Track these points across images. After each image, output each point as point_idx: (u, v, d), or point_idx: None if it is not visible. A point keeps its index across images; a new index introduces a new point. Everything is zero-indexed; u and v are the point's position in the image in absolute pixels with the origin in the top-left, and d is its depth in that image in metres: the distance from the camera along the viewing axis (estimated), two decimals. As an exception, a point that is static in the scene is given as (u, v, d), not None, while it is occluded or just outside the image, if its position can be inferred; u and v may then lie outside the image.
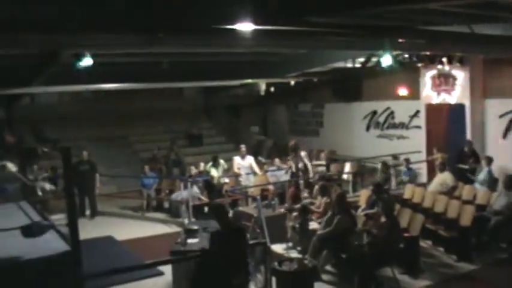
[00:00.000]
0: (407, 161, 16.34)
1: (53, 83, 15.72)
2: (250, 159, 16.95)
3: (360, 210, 12.46)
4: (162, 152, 19.77)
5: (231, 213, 13.82)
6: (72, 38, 9.53)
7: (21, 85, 15.85)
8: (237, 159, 16.94)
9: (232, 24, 9.33)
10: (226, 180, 16.75)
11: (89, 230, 13.57)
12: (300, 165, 15.25)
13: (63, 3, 7.99)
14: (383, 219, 10.21)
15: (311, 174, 15.73)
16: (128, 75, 16.53)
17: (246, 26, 9.43)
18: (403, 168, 16.45)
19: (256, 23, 9.26)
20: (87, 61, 11.78)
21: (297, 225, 11.64)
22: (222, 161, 16.97)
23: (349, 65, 17.39)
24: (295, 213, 12.25)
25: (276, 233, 11.43)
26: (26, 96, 19.22)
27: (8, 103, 19.63)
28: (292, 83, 19.88)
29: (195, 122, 23.74)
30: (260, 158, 18.81)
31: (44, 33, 8.95)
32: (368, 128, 20.02)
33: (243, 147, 17.18)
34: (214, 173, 16.41)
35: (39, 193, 15.59)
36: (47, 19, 8.57)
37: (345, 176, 18.19)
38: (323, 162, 18.22)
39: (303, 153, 15.61)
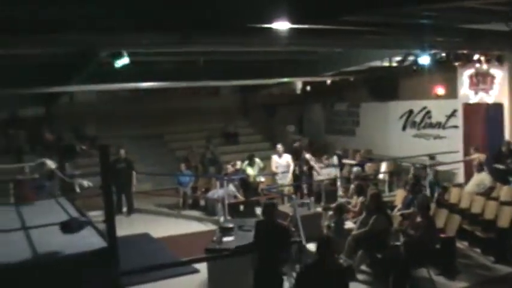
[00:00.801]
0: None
1: (91, 81, 15.91)
2: (287, 158, 16.95)
3: (395, 210, 12.39)
4: (198, 150, 19.85)
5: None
6: (109, 37, 9.66)
7: (61, 84, 16.07)
8: (274, 158, 16.96)
9: (268, 23, 9.35)
10: (262, 179, 16.77)
11: (126, 227, 13.69)
12: (305, 168, 15.06)
13: (101, 4, 8.07)
14: (419, 219, 10.15)
15: (320, 177, 15.63)
16: (164, 74, 16.66)
17: (282, 25, 9.44)
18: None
19: (292, 22, 9.27)
20: (124, 60, 11.91)
21: (333, 225, 11.60)
22: (257, 160, 16.98)
23: (386, 63, 17.27)
24: (330, 213, 12.23)
25: (312, 232, 11.41)
26: (65, 94, 19.46)
27: (47, 101, 19.91)
28: (329, 81, 19.82)
29: (231, 120, 23.79)
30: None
31: (82, 33, 9.08)
32: (404, 128, 19.86)
33: (279, 146, 17.20)
34: (250, 171, 16.44)
35: (77, 190, 15.77)
36: (84, 19, 8.68)
37: (380, 176, 18.09)
38: (353, 162, 18.17)
39: (307, 156, 15.44)
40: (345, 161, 18.97)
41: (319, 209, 13.35)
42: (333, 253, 7.13)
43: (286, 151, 17.32)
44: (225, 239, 9.96)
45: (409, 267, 9.69)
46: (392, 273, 9.51)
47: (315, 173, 16.55)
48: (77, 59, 13.20)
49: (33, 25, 8.60)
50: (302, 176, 15.03)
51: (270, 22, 9.31)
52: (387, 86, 19.98)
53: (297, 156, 15.37)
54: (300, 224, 10.33)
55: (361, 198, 12.22)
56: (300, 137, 22.84)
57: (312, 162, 15.38)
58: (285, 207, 13.63)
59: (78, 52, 11.98)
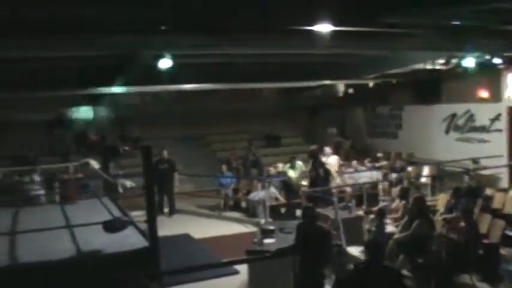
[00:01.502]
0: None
1: (134, 83, 16.07)
2: (333, 160, 16.94)
3: (438, 214, 12.26)
4: (240, 152, 19.92)
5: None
6: (153, 39, 9.76)
7: (104, 85, 16.28)
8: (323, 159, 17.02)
9: (310, 25, 9.35)
10: (304, 182, 16.74)
11: (167, 227, 13.79)
12: (321, 171, 14.85)
13: (146, 5, 8.16)
14: (462, 224, 10.03)
15: (337, 180, 15.47)
16: (207, 76, 16.73)
17: (324, 27, 9.43)
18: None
19: (334, 24, 9.26)
20: (167, 62, 12.02)
21: (374, 228, 11.53)
22: (299, 162, 16.96)
23: (429, 66, 17.10)
24: (372, 216, 12.16)
25: (352, 236, 11.38)
26: (109, 96, 19.70)
27: (92, 103, 20.19)
28: (371, 84, 19.72)
29: (273, 122, 23.78)
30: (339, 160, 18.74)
31: (125, 35, 9.20)
32: (447, 131, 19.60)
33: (327, 149, 17.24)
34: (291, 174, 16.43)
35: (120, 190, 15.94)
36: (129, 21, 8.79)
37: (423, 180, 17.91)
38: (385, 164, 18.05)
39: (324, 159, 15.23)
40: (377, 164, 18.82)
41: (360, 213, 13.29)
42: (384, 256, 7.11)
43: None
44: (266, 241, 9.98)
45: (451, 273, 9.58)
46: (434, 279, 9.42)
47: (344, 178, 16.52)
48: (121, 61, 13.35)
49: (78, 27, 8.75)
50: (317, 180, 14.75)
51: (312, 24, 9.31)
52: (430, 88, 19.76)
53: (314, 160, 15.16)
54: (341, 227, 10.31)
55: (404, 202, 12.12)
56: (342, 140, 22.77)
57: (331, 166, 15.07)
58: (327, 210, 13.59)
59: (122, 54, 12.11)
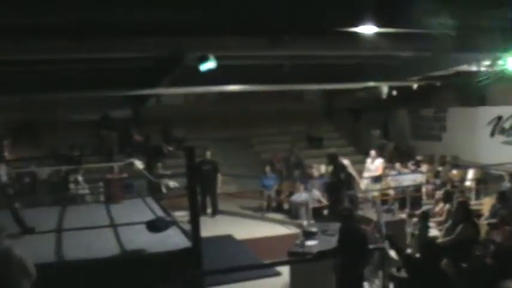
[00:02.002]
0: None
1: (178, 84, 16.20)
2: (377, 163, 16.84)
3: (482, 218, 12.09)
4: (283, 153, 19.92)
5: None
6: (197, 41, 9.84)
7: (149, 86, 16.46)
8: (367, 162, 16.89)
9: (354, 27, 9.32)
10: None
11: (210, 228, 13.84)
12: (342, 175, 14.59)
13: (187, 7, 8.22)
14: (508, 228, 9.87)
15: (361, 185, 15.25)
16: (250, 78, 16.78)
17: (368, 29, 9.39)
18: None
19: (378, 26, 9.21)
20: (211, 63, 12.08)
21: (417, 232, 11.43)
22: (346, 161, 16.86)
23: (474, 68, 16.86)
24: (415, 219, 12.05)
25: (396, 239, 11.28)
26: (153, 97, 19.88)
27: (136, 103, 20.41)
28: (415, 86, 19.52)
29: (316, 124, 23.72)
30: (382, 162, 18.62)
31: (169, 37, 9.29)
32: (492, 134, 19.30)
33: (372, 152, 17.15)
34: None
35: (164, 190, 16.07)
36: (172, 23, 8.86)
37: (467, 183, 17.68)
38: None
39: (345, 162, 15.03)
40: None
41: (403, 216, 13.17)
42: (440, 258, 7.05)
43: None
44: (308, 242, 9.96)
45: (496, 278, 9.43)
46: (479, 284, 9.29)
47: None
48: (166, 62, 13.46)
49: (124, 29, 8.86)
50: (339, 184, 14.53)
51: (356, 26, 9.28)
52: (475, 90, 19.49)
53: (334, 164, 14.93)
54: (384, 230, 10.22)
55: (448, 206, 11.99)
56: (385, 142, 22.60)
57: (351, 169, 14.80)
58: (370, 213, 13.51)
59: (166, 55, 12.21)
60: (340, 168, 14.34)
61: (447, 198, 12.26)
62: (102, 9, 7.99)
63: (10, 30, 8.32)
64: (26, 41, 8.99)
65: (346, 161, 14.94)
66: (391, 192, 16.19)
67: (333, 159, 14.59)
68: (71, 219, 10.55)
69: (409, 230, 12.02)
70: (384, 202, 14.60)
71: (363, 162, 18.58)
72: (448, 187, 14.76)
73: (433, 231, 11.44)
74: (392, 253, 8.82)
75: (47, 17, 8.12)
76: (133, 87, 16.52)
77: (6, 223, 8.16)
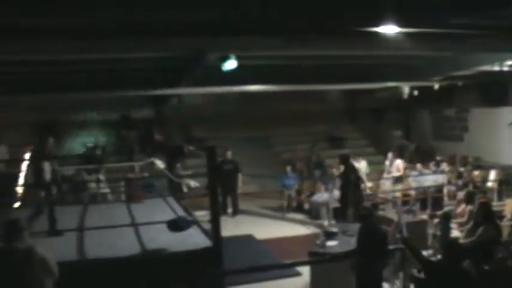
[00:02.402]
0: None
1: (199, 84, 16.25)
2: (397, 164, 16.78)
3: (505, 220, 11.99)
4: (303, 153, 19.91)
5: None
6: (218, 41, 9.85)
7: (170, 86, 16.52)
8: (386, 163, 16.82)
9: (375, 26, 9.29)
10: (368, 184, 16.61)
11: (230, 227, 13.86)
12: (353, 177, 14.44)
13: (208, 7, 8.24)
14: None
15: (366, 189, 15.15)
16: (271, 77, 16.79)
17: (389, 29, 9.35)
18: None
19: (399, 26, 9.18)
20: (232, 63, 12.10)
21: (438, 233, 11.36)
22: (363, 163, 16.82)
23: (496, 68, 16.74)
24: (436, 220, 11.98)
25: (416, 240, 11.22)
26: (175, 97, 19.95)
27: (157, 103, 20.51)
28: (436, 86, 19.41)
29: (337, 124, 23.69)
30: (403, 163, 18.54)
31: (190, 37, 9.31)
32: (515, 134, 19.17)
33: (390, 154, 17.08)
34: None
35: (185, 190, 16.11)
36: (193, 23, 8.89)
37: (489, 184, 17.55)
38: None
39: (358, 164, 14.82)
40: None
41: (424, 216, 13.10)
42: (461, 259, 7.00)
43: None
44: (329, 243, 9.94)
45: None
46: (501, 285, 9.22)
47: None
48: (186, 62, 13.51)
49: (147, 29, 8.90)
50: (348, 186, 14.40)
51: (378, 26, 9.25)
52: (498, 91, 19.35)
53: (345, 166, 14.80)
54: (405, 230, 10.18)
55: (469, 207, 11.90)
56: (406, 142, 22.51)
57: (362, 172, 14.65)
58: (391, 213, 13.46)
59: (188, 55, 12.25)
60: (350, 169, 14.29)
61: (469, 199, 12.16)
62: (123, 9, 8.04)
63: (34, 30, 8.39)
64: (48, 41, 9.05)
65: (363, 163, 14.91)
66: (412, 192, 16.11)
67: (344, 160, 14.55)
68: (93, 218, 10.63)
69: (430, 231, 11.96)
70: (405, 203, 14.53)
71: (384, 162, 18.53)
72: (470, 188, 14.66)
73: (455, 233, 11.36)
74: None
75: (68, 17, 8.20)
76: (154, 87, 16.60)
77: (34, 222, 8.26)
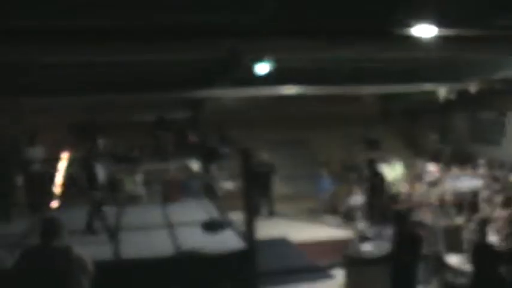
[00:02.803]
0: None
1: (235, 86, 16.29)
2: (431, 167, 16.64)
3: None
4: (339, 156, 19.85)
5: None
6: (254, 42, 9.88)
7: (205, 88, 16.59)
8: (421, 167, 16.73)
9: (413, 28, 9.24)
10: (403, 187, 16.49)
11: (265, 230, 13.87)
12: (377, 180, 14.22)
13: (244, 9, 8.27)
14: None
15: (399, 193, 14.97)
16: (307, 80, 16.76)
17: (427, 30, 9.30)
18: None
19: (437, 27, 9.12)
20: (267, 65, 12.12)
21: (474, 238, 11.23)
22: (398, 165, 16.70)
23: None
24: (472, 225, 11.85)
25: (452, 244, 11.12)
26: (210, 98, 20.03)
27: (192, 105, 20.61)
28: (474, 89, 19.19)
29: (372, 127, 23.56)
30: (439, 166, 18.36)
31: (227, 39, 9.35)
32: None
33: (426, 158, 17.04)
34: (389, 175, 16.16)
35: (220, 192, 16.18)
36: (229, 24, 8.93)
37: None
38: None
39: (391, 167, 14.61)
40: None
41: (460, 221, 12.96)
42: (498, 265, 6.93)
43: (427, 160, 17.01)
44: (364, 246, 9.91)
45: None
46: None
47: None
48: (222, 64, 13.56)
49: (180, 31, 8.97)
50: (372, 191, 14.23)
51: (415, 27, 9.19)
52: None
53: (372, 171, 14.63)
54: (440, 235, 10.10)
55: (507, 212, 11.76)
56: (442, 146, 22.30)
57: (396, 176, 14.48)
58: (426, 218, 13.35)
59: (224, 57, 12.30)
60: (375, 175, 14.21)
61: (506, 203, 12.02)
62: (160, 11, 8.11)
63: (75, 32, 8.51)
64: (88, 43, 9.17)
65: (397, 166, 14.78)
66: (448, 197, 15.95)
67: (370, 165, 14.49)
68: (128, 219, 10.73)
69: (466, 236, 11.82)
70: (440, 207, 14.37)
71: (419, 166, 18.38)
72: (508, 193, 14.46)
73: (492, 238, 11.23)
74: (450, 259, 8.74)
75: (106, 19, 8.29)
76: (190, 89, 16.69)
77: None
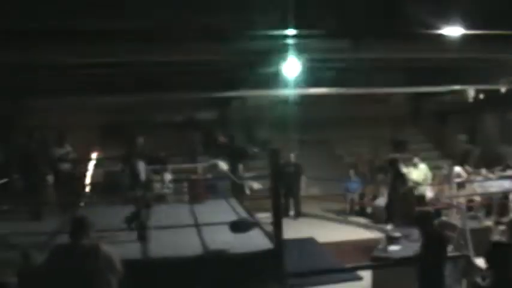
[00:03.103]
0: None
1: (262, 86, 16.30)
2: (458, 169, 16.53)
3: None
4: (367, 157, 19.77)
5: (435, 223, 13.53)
6: (281, 43, 9.89)
7: (234, 88, 16.62)
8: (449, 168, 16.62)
9: (441, 29, 9.19)
10: (429, 191, 16.35)
11: (292, 230, 13.85)
12: (399, 182, 14.02)
13: (272, 10, 8.30)
14: None
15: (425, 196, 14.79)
16: (334, 80, 16.71)
17: (455, 31, 9.25)
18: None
19: (465, 28, 9.06)
20: (295, 66, 12.12)
21: (504, 240, 11.11)
22: (422, 166, 16.54)
23: None
24: (502, 227, 11.73)
25: (481, 247, 11.01)
26: (238, 98, 20.07)
27: (221, 105, 20.67)
28: (503, 89, 19.01)
29: (400, 128, 23.43)
30: (467, 167, 18.19)
31: (255, 40, 9.38)
32: None
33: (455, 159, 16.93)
34: (414, 176, 16.04)
35: (247, 191, 16.20)
36: (257, 26, 8.96)
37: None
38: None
39: (416, 168, 14.41)
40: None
41: (489, 223, 12.85)
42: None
43: (456, 161, 16.86)
44: (391, 247, 9.87)
45: None
46: None
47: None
48: (250, 64, 13.59)
49: (210, 33, 9.02)
50: (394, 192, 14.10)
51: (443, 28, 9.15)
52: None
53: (395, 170, 14.48)
54: (469, 237, 10.02)
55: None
56: (471, 147, 22.12)
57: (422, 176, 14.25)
58: (454, 219, 13.24)
59: (252, 57, 12.33)
60: (397, 174, 14.11)
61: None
62: (190, 12, 8.16)
63: (107, 33, 8.59)
64: (118, 44, 9.25)
65: (422, 166, 14.63)
66: (477, 198, 15.82)
67: (392, 164, 14.38)
68: (156, 218, 10.79)
69: (495, 238, 11.71)
70: (469, 209, 14.27)
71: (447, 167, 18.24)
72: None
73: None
74: (479, 261, 8.66)
75: (137, 19, 8.37)
76: (218, 89, 16.73)
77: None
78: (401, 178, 14.16)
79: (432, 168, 17.05)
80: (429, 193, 16.14)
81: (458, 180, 16.23)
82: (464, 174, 16.41)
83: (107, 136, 17.69)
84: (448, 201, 15.40)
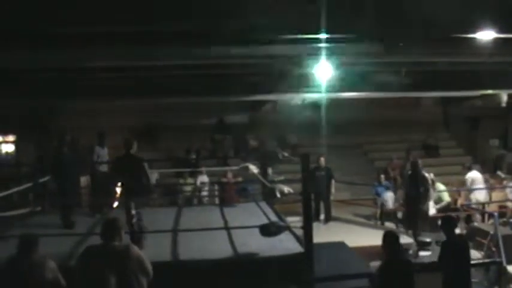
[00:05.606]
0: None
1: (294, 90, 16.32)
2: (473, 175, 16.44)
3: None
4: (398, 162, 19.67)
5: (465, 229, 13.44)
6: (311, 47, 9.92)
7: (265, 92, 16.67)
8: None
9: (473, 33, 9.15)
10: (462, 194, 16.23)
11: (322, 234, 13.82)
12: (420, 186, 13.82)
13: (302, 15, 8.33)
14: None
15: (431, 202, 14.62)
16: (364, 84, 16.66)
17: (487, 35, 9.20)
18: None
19: (498, 32, 9.01)
20: (327, 69, 12.12)
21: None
22: (442, 187, 16.43)
23: None
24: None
25: None
26: (269, 102, 20.10)
27: (252, 108, 20.72)
28: (536, 94, 18.81)
29: (432, 132, 23.29)
30: (499, 173, 18.03)
31: (285, 44, 9.42)
32: None
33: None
34: (441, 186, 15.95)
35: (278, 195, 16.19)
36: (288, 30, 9.00)
37: None
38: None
39: (428, 175, 14.21)
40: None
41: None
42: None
43: (488, 167, 16.70)
44: (422, 253, 9.84)
45: None
46: None
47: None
48: (282, 68, 13.62)
49: (241, 37, 9.08)
50: (414, 196, 13.95)
51: (475, 32, 9.10)
52: None
53: (414, 170, 14.31)
54: (501, 243, 9.92)
55: None
56: (504, 152, 21.90)
57: (430, 181, 14.05)
58: (486, 225, 13.13)
59: (284, 61, 12.36)
60: (419, 178, 13.98)
61: None
62: (221, 16, 8.23)
63: (135, 37, 8.69)
64: (146, 47, 9.35)
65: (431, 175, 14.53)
66: (510, 204, 15.65)
67: (414, 168, 14.26)
68: (186, 221, 10.87)
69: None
70: (501, 215, 14.12)
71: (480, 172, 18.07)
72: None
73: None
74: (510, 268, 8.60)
75: (166, 22, 8.45)
76: (249, 93, 16.78)
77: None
78: (423, 180, 14.02)
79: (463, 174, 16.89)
80: (460, 198, 16.03)
81: (491, 185, 16.10)
82: (497, 179, 16.25)
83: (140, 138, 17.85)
84: (479, 207, 15.29)
